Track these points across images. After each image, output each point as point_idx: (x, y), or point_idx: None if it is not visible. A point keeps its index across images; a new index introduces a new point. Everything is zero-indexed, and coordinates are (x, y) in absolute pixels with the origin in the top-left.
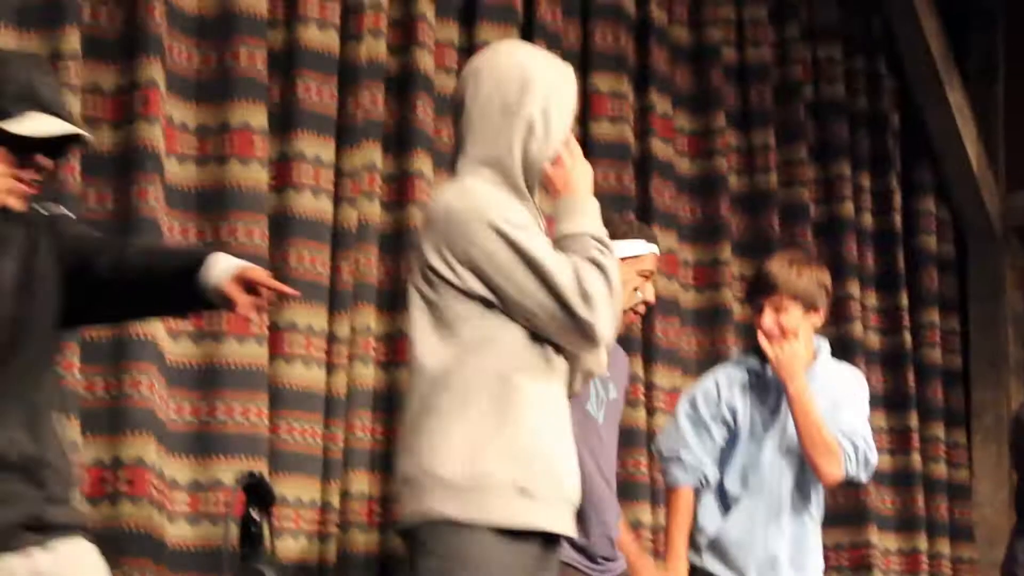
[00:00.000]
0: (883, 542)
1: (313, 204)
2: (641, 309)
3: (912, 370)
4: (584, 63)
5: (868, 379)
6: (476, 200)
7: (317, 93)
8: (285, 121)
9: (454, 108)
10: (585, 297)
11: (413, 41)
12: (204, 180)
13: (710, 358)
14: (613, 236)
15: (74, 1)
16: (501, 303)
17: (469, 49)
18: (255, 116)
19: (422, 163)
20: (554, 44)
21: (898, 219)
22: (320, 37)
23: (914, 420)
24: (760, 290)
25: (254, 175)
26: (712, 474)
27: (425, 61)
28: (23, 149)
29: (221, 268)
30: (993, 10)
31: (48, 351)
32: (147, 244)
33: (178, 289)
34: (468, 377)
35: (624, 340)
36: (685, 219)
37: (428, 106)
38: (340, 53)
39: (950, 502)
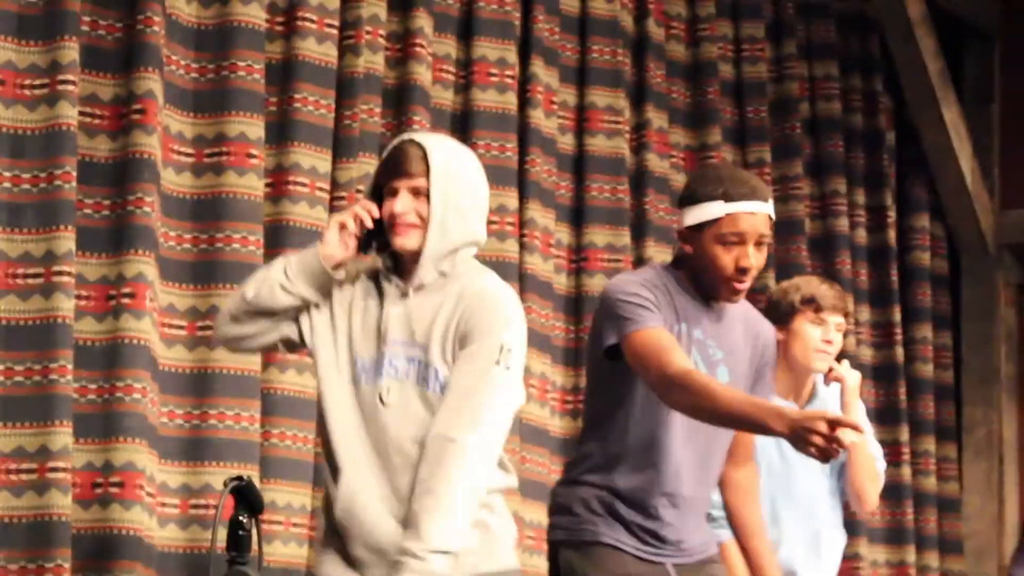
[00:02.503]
0: (872, 554)
1: (308, 214)
2: (739, 276)
3: (904, 384)
4: (581, 78)
5: (860, 393)
6: None
7: (315, 105)
8: (282, 132)
9: None
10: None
11: (411, 55)
12: (201, 189)
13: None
14: (689, 200)
15: (74, 12)
16: None
17: (466, 63)
18: (252, 127)
19: None
20: (551, 59)
21: (892, 235)
22: (318, 50)
23: (905, 434)
24: (820, 306)
25: (250, 185)
26: None
27: (422, 75)
28: None
29: None
30: (989, 30)
31: None
32: None
33: None
34: None
35: None
36: None
37: (425, 119)
38: (338, 66)
39: (939, 516)
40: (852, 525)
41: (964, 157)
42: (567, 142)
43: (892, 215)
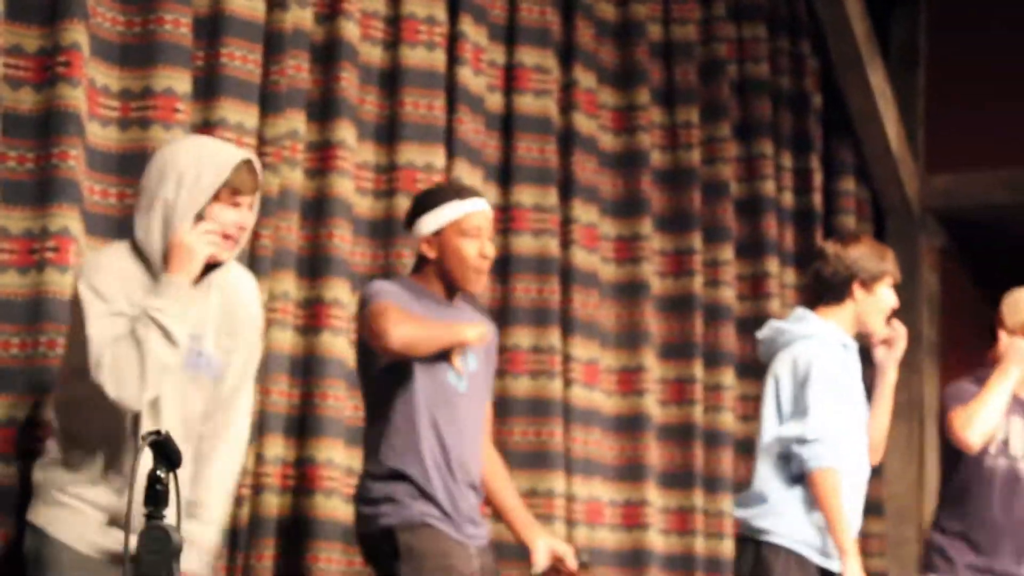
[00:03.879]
0: None
1: None
2: (482, 264)
3: None
4: (509, 37)
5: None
6: (86, 264)
7: (242, 60)
8: (209, 87)
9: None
10: (98, 365)
11: (339, 11)
12: (126, 143)
13: (628, 331)
14: (424, 209)
15: None
16: None
17: (395, 20)
18: (179, 81)
19: (345, 132)
20: (480, 17)
21: (818, 198)
22: (246, 4)
23: None
24: (896, 276)
25: (176, 139)
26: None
27: (350, 31)
28: None
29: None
30: None
31: None
32: None
33: None
34: None
35: (541, 312)
36: (607, 193)
37: (353, 76)
38: (266, 21)
39: None
40: None
41: (890, 121)
42: (495, 101)
43: (818, 178)
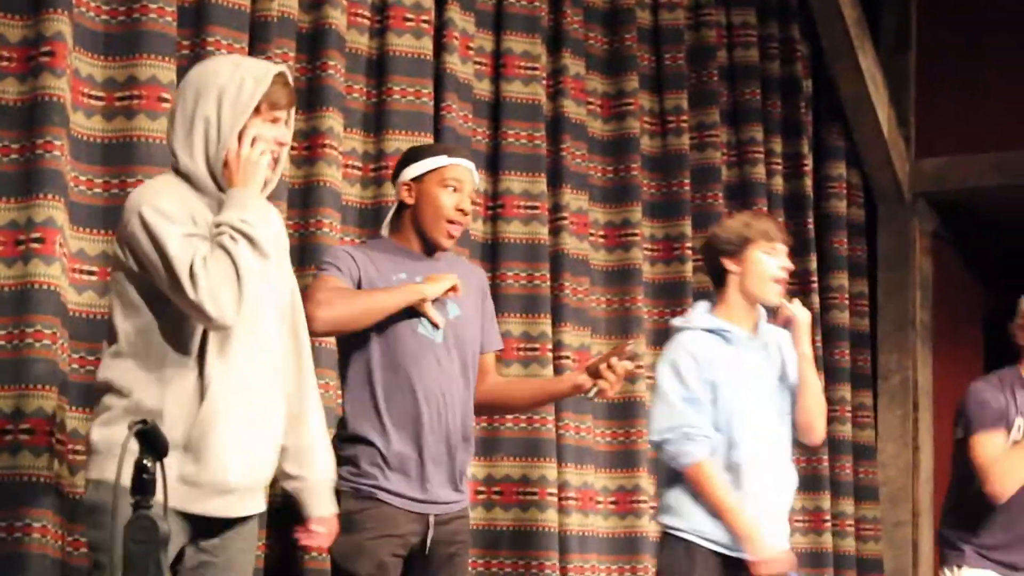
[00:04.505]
0: None
1: None
2: (458, 217)
3: (820, 332)
4: (497, 24)
5: None
6: (143, 193)
7: (228, 49)
8: None
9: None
10: (193, 277)
11: None
12: (111, 133)
13: (619, 317)
14: (411, 159)
15: None
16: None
17: (382, 7)
18: (164, 71)
19: (333, 121)
20: (467, 4)
21: (809, 183)
22: None
23: (821, 381)
24: (771, 235)
25: (161, 129)
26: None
27: (337, 18)
28: None
29: None
30: None
31: None
32: None
33: None
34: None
35: (532, 299)
36: (597, 180)
37: (340, 64)
38: (251, 9)
39: (855, 462)
40: None
41: (880, 105)
42: (483, 88)
43: (809, 163)
